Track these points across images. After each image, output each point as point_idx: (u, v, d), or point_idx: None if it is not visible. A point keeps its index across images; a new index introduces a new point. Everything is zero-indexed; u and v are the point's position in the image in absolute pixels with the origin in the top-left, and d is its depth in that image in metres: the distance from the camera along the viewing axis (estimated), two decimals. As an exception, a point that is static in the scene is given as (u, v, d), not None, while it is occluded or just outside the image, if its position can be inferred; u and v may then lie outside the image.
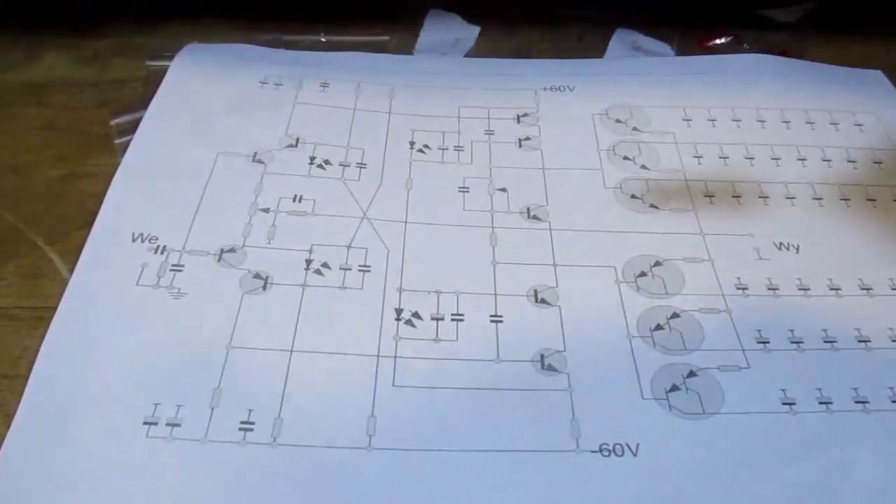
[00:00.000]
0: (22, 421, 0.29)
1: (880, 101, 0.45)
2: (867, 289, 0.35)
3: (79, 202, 0.38)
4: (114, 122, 0.41)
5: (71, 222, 0.37)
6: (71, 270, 0.34)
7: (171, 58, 0.45)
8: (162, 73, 0.44)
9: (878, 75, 0.46)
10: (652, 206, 0.38)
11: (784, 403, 0.30)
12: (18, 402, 0.29)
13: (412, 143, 0.41)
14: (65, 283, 0.33)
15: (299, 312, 0.32)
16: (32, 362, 0.31)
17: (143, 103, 0.42)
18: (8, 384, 0.30)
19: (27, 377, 0.30)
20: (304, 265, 0.34)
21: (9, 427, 0.29)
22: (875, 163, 0.41)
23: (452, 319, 0.33)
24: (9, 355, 0.31)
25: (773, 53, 0.47)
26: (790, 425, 0.30)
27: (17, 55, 0.47)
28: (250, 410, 0.29)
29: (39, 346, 0.31)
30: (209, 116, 0.41)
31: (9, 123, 0.42)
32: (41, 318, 0.32)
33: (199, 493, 0.27)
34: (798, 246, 0.36)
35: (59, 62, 0.46)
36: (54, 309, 0.32)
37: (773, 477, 0.28)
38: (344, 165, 0.39)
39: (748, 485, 0.28)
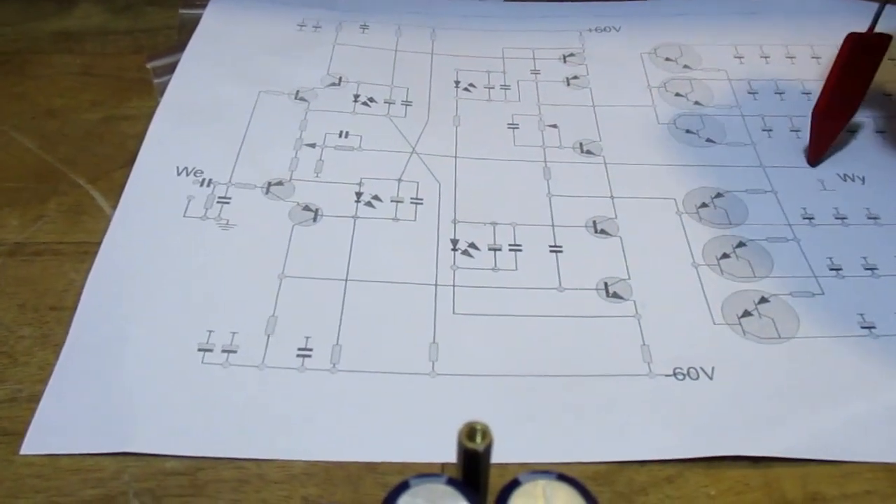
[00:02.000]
0: (70, 350, 0.28)
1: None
2: None
3: (118, 143, 0.37)
4: (150, 64, 0.40)
5: (111, 162, 0.36)
6: (114, 207, 0.33)
7: (204, 6, 0.44)
8: (195, 20, 0.43)
9: None
10: (709, 140, 0.37)
11: (863, 327, 0.29)
12: (66, 332, 0.28)
13: (457, 83, 0.39)
14: (108, 220, 0.32)
15: (352, 243, 0.31)
16: (79, 295, 0.30)
17: (179, 48, 0.41)
18: (55, 316, 0.29)
19: (74, 309, 0.29)
20: (355, 198, 0.33)
21: (58, 357, 0.28)
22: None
23: (510, 249, 0.31)
24: (55, 288, 0.30)
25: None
26: (872, 348, 0.28)
27: (48, 6, 0.46)
28: (307, 338, 0.28)
29: (85, 279, 0.30)
30: (248, 57, 0.40)
31: (44, 69, 0.41)
32: (86, 252, 0.31)
33: (258, 418, 0.26)
34: (864, 177, 0.35)
35: (93, 12, 0.45)
36: (99, 244, 0.31)
37: (857, 398, 0.27)
38: (389, 103, 0.38)
39: (831, 405, 0.26)
